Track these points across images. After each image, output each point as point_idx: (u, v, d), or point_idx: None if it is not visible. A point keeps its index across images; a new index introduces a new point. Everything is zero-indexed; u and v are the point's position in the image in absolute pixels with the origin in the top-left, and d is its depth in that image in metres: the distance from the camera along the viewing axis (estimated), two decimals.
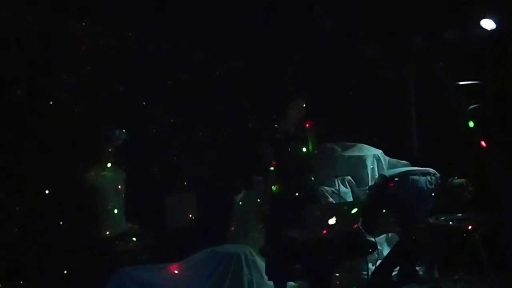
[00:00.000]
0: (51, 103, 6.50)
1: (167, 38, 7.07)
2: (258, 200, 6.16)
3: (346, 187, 7.14)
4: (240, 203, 6.70)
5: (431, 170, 6.20)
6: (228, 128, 7.42)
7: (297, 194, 5.59)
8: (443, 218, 6.67)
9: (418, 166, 6.92)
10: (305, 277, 5.80)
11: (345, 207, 6.05)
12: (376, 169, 7.21)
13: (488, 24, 6.63)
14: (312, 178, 5.75)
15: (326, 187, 7.04)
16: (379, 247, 6.36)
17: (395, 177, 6.17)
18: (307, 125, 5.70)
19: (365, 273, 6.43)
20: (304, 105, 5.75)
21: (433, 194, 6.10)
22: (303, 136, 5.76)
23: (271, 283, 5.77)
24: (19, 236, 6.04)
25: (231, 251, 6.22)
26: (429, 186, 6.11)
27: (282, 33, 7.10)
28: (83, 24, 6.67)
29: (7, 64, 6.18)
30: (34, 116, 6.33)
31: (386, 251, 6.72)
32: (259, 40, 7.18)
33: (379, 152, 7.35)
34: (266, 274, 5.76)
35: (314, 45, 7.24)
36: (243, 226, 6.59)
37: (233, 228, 6.78)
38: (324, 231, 5.57)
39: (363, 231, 5.90)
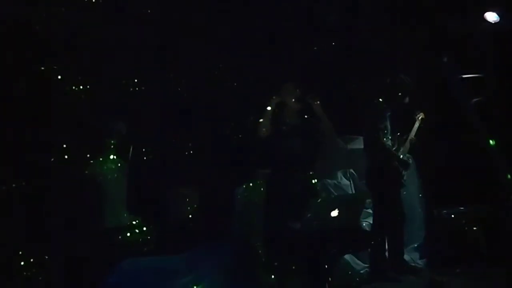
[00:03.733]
0: (54, 96, 6.53)
1: (165, 34, 7.08)
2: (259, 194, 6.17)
3: (348, 180, 7.14)
4: (241, 196, 6.70)
5: None
6: (230, 121, 7.42)
7: (294, 189, 5.57)
8: (445, 211, 6.70)
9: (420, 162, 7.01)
10: (307, 271, 5.81)
11: (347, 200, 6.05)
12: None
13: (491, 17, 6.62)
14: (311, 173, 5.73)
15: (328, 180, 7.05)
16: None
17: None
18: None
19: (367, 265, 6.45)
20: (298, 91, 5.69)
21: None
22: (301, 128, 5.74)
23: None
24: (21, 229, 6.08)
25: (233, 244, 6.23)
26: None
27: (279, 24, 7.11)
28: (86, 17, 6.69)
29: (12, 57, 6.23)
30: (37, 110, 6.36)
31: None
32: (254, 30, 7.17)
33: None
34: (267, 269, 5.76)
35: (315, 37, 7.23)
36: (245, 220, 6.59)
37: (234, 221, 6.78)
38: (326, 224, 5.58)
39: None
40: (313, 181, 5.85)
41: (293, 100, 5.68)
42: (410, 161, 6.47)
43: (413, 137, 6.53)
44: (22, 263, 5.95)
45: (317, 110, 5.66)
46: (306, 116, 5.77)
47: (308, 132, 5.70)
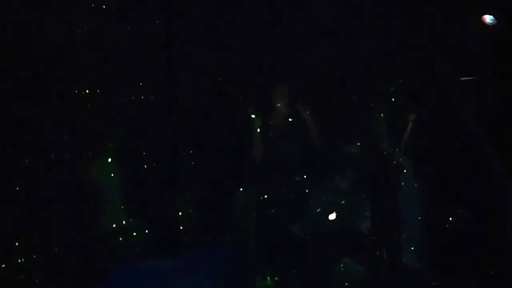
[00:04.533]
0: (54, 99, 6.53)
1: (163, 34, 7.08)
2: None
3: (346, 183, 7.14)
4: (241, 198, 6.72)
5: None
6: (229, 122, 7.40)
7: (285, 193, 5.59)
8: (443, 213, 6.71)
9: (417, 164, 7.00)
10: (305, 273, 5.83)
11: (345, 203, 6.06)
12: None
13: (488, 19, 6.64)
14: (305, 176, 5.75)
15: (326, 183, 7.05)
16: None
17: None
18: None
19: (365, 267, 6.45)
20: (288, 92, 5.72)
21: None
22: (292, 131, 5.75)
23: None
24: (18, 231, 6.08)
25: (232, 248, 6.22)
26: None
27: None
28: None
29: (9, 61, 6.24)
30: (36, 112, 6.36)
31: None
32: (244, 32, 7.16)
33: None
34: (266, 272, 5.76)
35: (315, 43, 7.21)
36: (243, 222, 6.60)
37: (233, 225, 6.80)
38: (325, 227, 5.60)
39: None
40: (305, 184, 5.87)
41: (283, 105, 5.71)
42: (407, 163, 6.49)
43: (407, 138, 6.56)
44: (19, 264, 5.93)
45: (305, 116, 5.68)
46: (294, 122, 5.79)
47: (295, 137, 5.71)
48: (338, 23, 7.04)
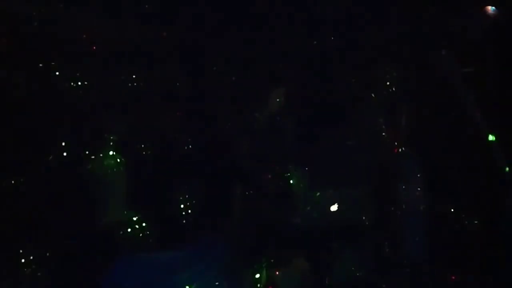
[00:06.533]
0: (54, 92, 6.56)
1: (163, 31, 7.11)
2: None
3: (347, 176, 7.12)
4: (240, 192, 6.72)
5: None
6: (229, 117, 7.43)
7: (282, 185, 5.60)
8: (445, 206, 6.69)
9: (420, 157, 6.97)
10: (306, 267, 5.84)
11: (347, 195, 6.07)
12: None
13: (490, 11, 6.62)
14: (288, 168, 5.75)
15: (327, 175, 7.04)
16: None
17: None
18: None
19: (366, 261, 6.45)
20: (285, 93, 5.74)
21: None
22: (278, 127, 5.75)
23: None
24: (21, 227, 6.12)
25: (230, 242, 6.22)
26: None
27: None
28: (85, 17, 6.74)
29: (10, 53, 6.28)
30: (37, 106, 6.40)
31: None
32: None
33: None
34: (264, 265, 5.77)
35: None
36: (242, 216, 6.60)
37: (232, 219, 6.81)
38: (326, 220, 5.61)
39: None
40: (291, 180, 5.87)
41: (276, 104, 5.74)
42: (409, 155, 6.49)
43: (408, 131, 6.57)
44: (22, 260, 5.98)
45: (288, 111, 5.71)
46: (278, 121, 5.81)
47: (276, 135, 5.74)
48: (335, 14, 7.03)
